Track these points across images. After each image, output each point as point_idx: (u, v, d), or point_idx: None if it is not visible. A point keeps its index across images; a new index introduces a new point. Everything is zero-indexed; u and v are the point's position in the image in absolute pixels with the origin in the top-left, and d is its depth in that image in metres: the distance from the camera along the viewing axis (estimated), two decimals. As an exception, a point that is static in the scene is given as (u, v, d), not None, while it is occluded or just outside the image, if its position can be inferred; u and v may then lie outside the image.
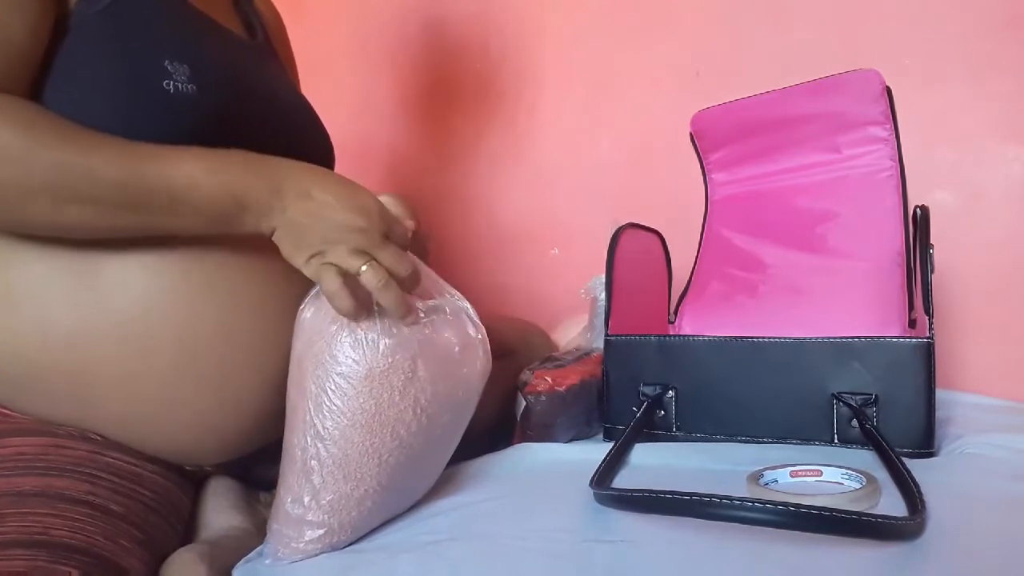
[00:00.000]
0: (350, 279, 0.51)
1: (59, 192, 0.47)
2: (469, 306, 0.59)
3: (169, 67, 0.53)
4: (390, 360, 0.51)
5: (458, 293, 0.60)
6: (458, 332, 0.56)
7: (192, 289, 0.54)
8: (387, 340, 0.51)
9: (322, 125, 0.74)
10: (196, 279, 0.54)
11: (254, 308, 0.56)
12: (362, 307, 0.50)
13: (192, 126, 0.54)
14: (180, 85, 0.53)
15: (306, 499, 0.50)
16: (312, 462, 0.50)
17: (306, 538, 0.50)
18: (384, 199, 0.59)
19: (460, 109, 1.38)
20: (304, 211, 0.51)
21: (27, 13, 0.49)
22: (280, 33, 0.82)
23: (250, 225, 0.52)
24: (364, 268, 0.50)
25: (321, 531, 0.50)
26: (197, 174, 0.50)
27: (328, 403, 0.50)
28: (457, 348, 0.55)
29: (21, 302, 0.51)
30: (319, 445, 0.50)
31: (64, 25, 0.51)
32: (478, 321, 0.59)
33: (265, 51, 0.74)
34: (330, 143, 0.75)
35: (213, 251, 0.55)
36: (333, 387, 0.50)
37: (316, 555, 0.51)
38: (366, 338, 0.50)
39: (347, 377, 0.50)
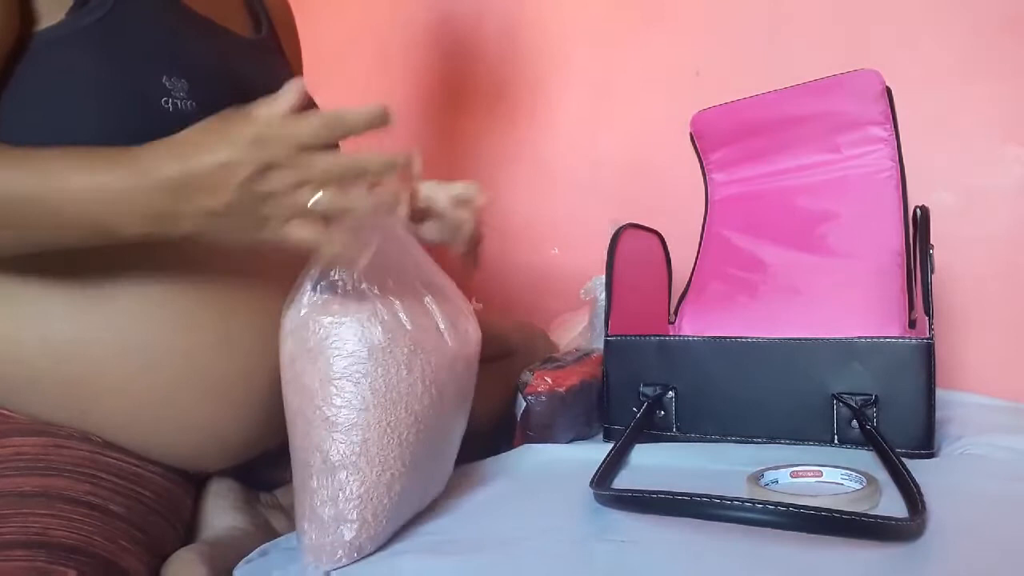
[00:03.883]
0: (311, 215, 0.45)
1: None
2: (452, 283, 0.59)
3: (167, 83, 0.52)
4: (390, 335, 0.50)
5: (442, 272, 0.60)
6: (450, 306, 0.57)
7: (190, 297, 0.53)
8: (384, 317, 0.50)
9: None
10: (194, 287, 0.54)
11: (252, 315, 0.55)
12: (351, 237, 0.46)
13: None
14: (179, 102, 0.52)
15: (337, 496, 0.48)
16: (333, 457, 0.48)
17: (345, 537, 0.48)
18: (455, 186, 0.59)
19: (460, 109, 1.38)
20: (203, 194, 0.44)
21: None
22: (287, 23, 0.80)
23: (157, 233, 0.46)
24: (313, 199, 0.44)
25: (356, 526, 0.48)
26: (78, 182, 0.44)
27: (336, 393, 0.48)
28: (450, 321, 0.56)
29: (22, 309, 0.51)
30: (336, 438, 0.48)
31: (60, 37, 0.50)
32: (463, 297, 0.59)
33: (269, 48, 0.72)
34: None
35: (211, 259, 0.54)
36: (338, 376, 0.48)
37: (356, 559, 0.48)
38: (362, 319, 0.49)
39: (352, 360, 0.48)
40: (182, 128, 0.48)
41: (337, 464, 0.48)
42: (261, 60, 0.69)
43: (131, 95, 0.51)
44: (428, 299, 0.56)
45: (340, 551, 0.48)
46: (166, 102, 0.52)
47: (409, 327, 0.51)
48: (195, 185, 0.44)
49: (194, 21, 0.60)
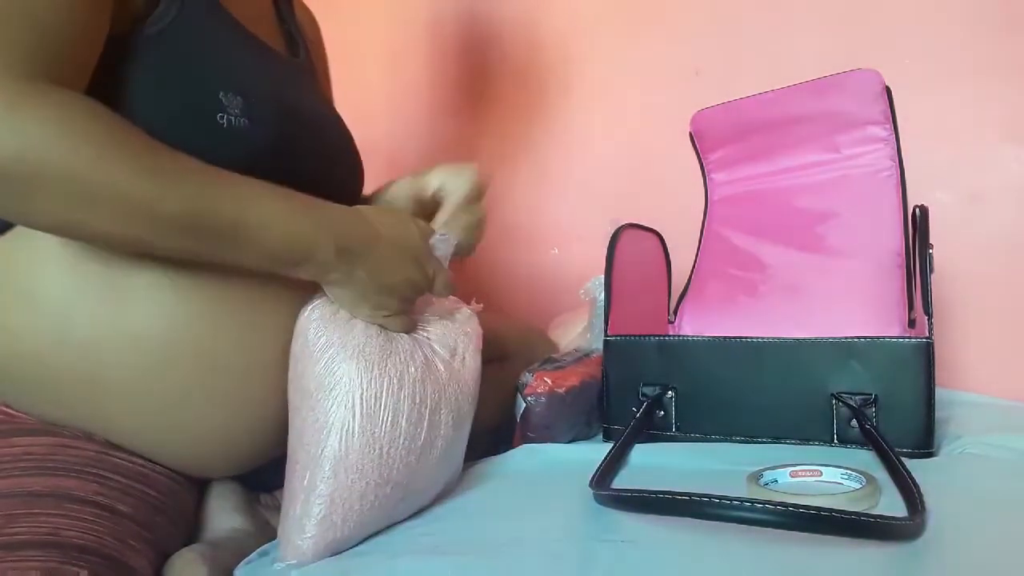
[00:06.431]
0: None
1: (125, 208, 0.44)
2: (466, 309, 0.63)
3: (224, 100, 0.52)
4: (388, 350, 0.53)
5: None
6: (452, 330, 0.60)
7: (211, 305, 0.53)
8: (385, 333, 0.55)
9: (354, 145, 0.74)
10: (216, 296, 0.53)
11: (272, 326, 0.55)
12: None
13: (242, 160, 0.53)
14: (233, 119, 0.53)
15: (309, 494, 0.50)
16: (315, 457, 0.50)
17: (307, 534, 0.49)
18: (452, 169, 0.65)
19: (460, 110, 1.38)
20: (367, 273, 0.54)
21: (82, 12, 0.46)
22: (318, 45, 0.82)
23: (307, 275, 0.52)
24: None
25: (322, 526, 0.49)
26: (272, 216, 0.49)
27: (328, 397, 0.51)
28: (449, 345, 0.59)
29: (42, 305, 0.51)
30: (321, 440, 0.50)
31: (122, 45, 0.50)
32: (473, 323, 0.62)
33: (306, 70, 0.74)
34: (360, 164, 0.74)
35: (234, 269, 0.53)
36: (333, 380, 0.51)
37: (318, 558, 0.50)
38: (364, 330, 0.54)
39: (346, 369, 0.51)
40: (234, 143, 0.53)
41: (315, 464, 0.50)
42: (304, 82, 0.71)
43: (187, 107, 0.51)
44: (430, 319, 0.59)
45: (303, 548, 0.49)
46: (221, 118, 0.52)
47: (406, 345, 0.55)
48: (363, 256, 0.53)
49: (249, 40, 0.61)
